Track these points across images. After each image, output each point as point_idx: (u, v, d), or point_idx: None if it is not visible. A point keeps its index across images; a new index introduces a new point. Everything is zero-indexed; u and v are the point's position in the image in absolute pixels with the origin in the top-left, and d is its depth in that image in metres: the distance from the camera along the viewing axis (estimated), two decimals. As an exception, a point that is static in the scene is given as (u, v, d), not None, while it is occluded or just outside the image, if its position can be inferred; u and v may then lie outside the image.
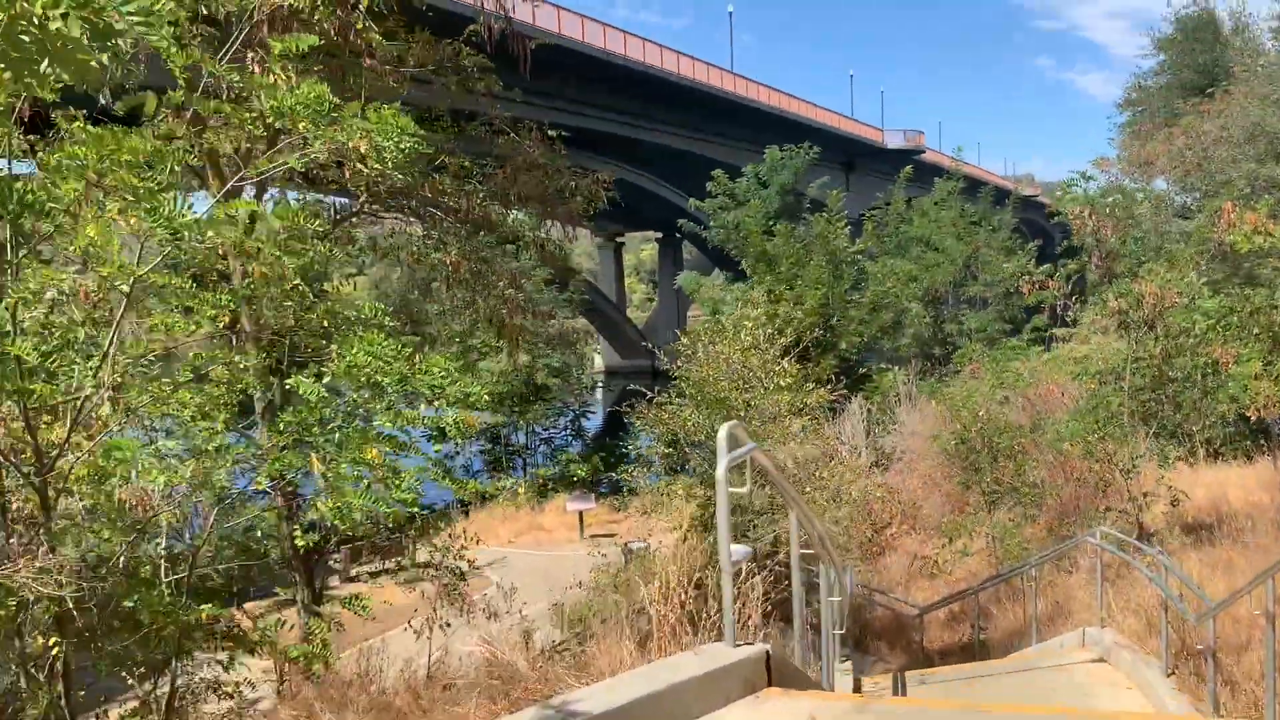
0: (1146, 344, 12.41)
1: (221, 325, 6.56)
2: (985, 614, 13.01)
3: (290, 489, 9.23)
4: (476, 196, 10.10)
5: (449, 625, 9.99)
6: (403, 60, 10.63)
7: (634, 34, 46.67)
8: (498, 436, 32.08)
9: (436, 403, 6.58)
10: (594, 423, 40.45)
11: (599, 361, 77.89)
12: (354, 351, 6.04)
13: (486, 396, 6.69)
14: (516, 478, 32.36)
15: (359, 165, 6.35)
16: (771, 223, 31.45)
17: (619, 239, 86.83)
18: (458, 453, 33.16)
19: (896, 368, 29.31)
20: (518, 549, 26.66)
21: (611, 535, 26.37)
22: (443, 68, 10.83)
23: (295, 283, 7.83)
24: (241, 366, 6.76)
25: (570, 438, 33.75)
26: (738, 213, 29.79)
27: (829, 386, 26.04)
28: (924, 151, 73.89)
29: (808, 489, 16.64)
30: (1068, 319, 15.39)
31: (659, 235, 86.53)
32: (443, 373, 6.44)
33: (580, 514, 27.79)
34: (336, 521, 6.68)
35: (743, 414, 16.00)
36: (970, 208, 35.31)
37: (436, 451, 33.42)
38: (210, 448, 6.30)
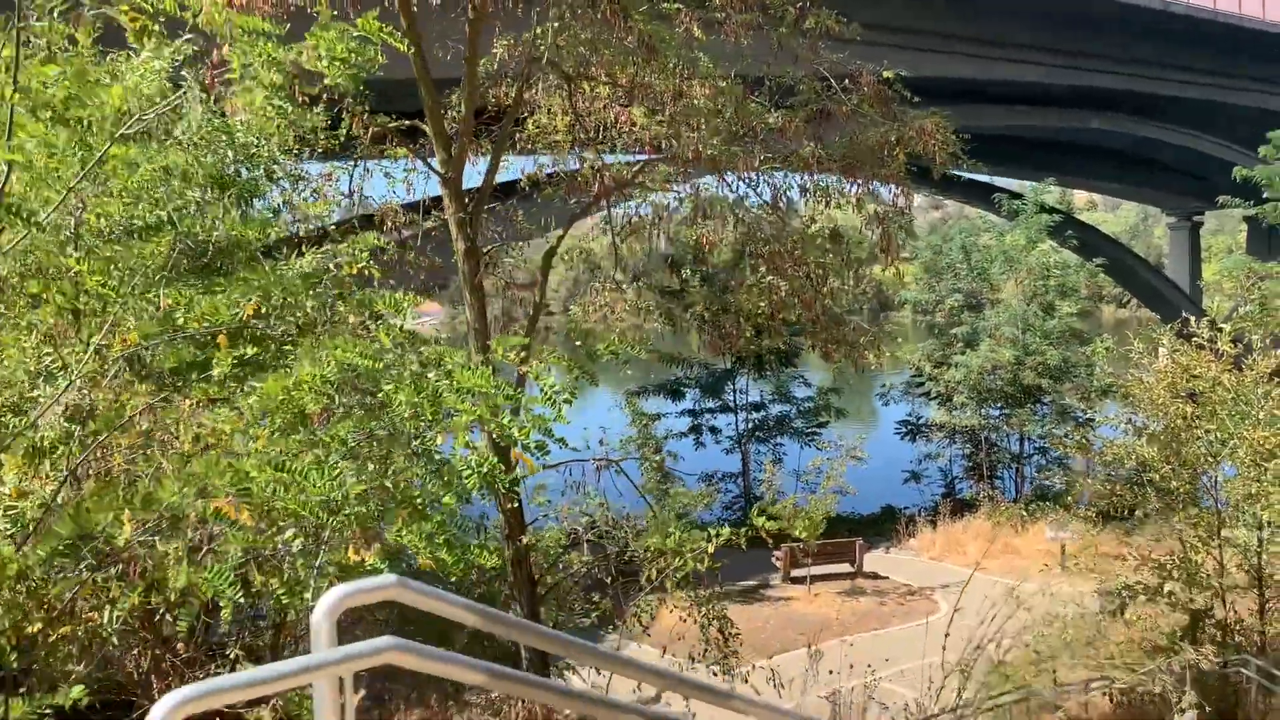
0: None
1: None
2: None
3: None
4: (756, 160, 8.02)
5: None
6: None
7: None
8: (979, 440, 28.49)
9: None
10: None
11: (1162, 360, 67.95)
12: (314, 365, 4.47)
13: (550, 438, 4.73)
14: (1002, 490, 28.60)
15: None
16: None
17: (1196, 218, 74.96)
18: (939, 454, 30.23)
19: None
20: (982, 573, 23.36)
21: (1102, 575, 22.19)
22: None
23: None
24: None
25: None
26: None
27: None
28: None
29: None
30: None
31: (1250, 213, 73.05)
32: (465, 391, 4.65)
33: (1062, 544, 23.65)
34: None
35: (1213, 456, 11.84)
36: None
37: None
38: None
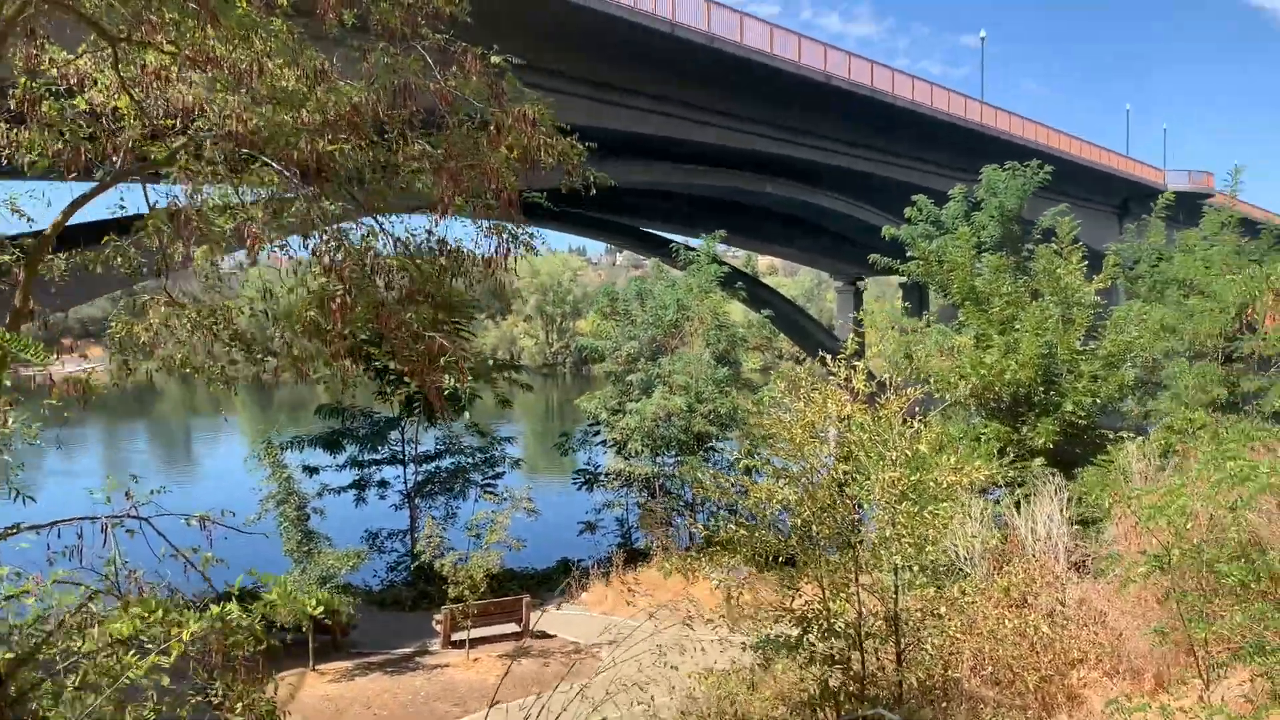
0: None
1: None
2: None
3: None
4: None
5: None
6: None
7: (858, 55, 42.29)
8: (653, 489, 28.22)
9: None
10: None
11: (832, 412, 72.69)
12: None
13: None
14: (676, 538, 28.42)
15: None
16: (999, 254, 26.20)
17: (859, 282, 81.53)
18: (616, 504, 29.64)
19: (1143, 438, 23.18)
20: (653, 623, 22.66)
21: (778, 614, 22.14)
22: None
23: None
24: None
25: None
26: (941, 241, 24.76)
27: (1033, 458, 20.62)
28: (1212, 195, 64.60)
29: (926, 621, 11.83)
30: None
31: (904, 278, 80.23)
32: None
33: (728, 592, 23.47)
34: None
35: (850, 498, 11.55)
36: (1251, 243, 28.21)
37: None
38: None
